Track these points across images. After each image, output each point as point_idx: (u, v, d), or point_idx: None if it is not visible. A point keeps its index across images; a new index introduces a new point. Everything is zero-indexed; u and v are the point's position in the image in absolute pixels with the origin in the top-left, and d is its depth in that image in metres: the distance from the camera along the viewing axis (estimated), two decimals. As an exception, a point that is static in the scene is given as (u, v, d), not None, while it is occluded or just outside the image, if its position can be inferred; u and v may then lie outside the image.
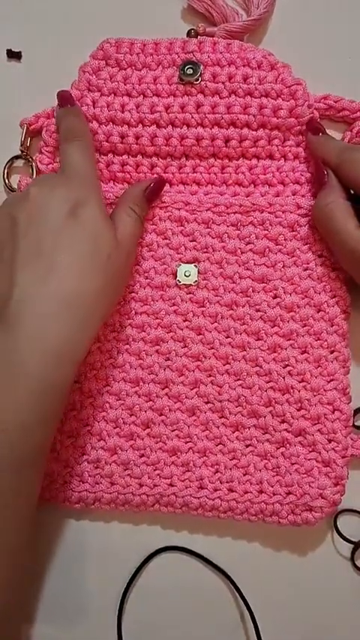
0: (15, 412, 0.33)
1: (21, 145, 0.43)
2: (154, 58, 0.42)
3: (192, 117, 0.41)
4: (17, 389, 0.33)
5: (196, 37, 0.43)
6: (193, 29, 0.43)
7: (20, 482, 0.34)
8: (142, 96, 0.42)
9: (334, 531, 0.41)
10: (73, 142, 0.40)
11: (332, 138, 0.42)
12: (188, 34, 0.43)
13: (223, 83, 0.41)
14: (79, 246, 0.36)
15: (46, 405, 0.34)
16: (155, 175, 0.42)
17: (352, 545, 0.40)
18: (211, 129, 0.42)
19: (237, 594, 0.40)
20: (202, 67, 0.41)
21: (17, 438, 0.33)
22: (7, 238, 0.36)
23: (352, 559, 0.41)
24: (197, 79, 0.41)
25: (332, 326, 0.40)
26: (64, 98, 0.42)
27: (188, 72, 0.41)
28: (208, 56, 0.41)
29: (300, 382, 0.40)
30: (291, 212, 0.41)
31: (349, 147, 0.41)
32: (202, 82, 0.41)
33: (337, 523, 0.41)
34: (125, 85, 0.42)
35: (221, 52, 0.42)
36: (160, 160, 0.42)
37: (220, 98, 0.41)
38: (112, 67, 0.42)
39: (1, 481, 0.33)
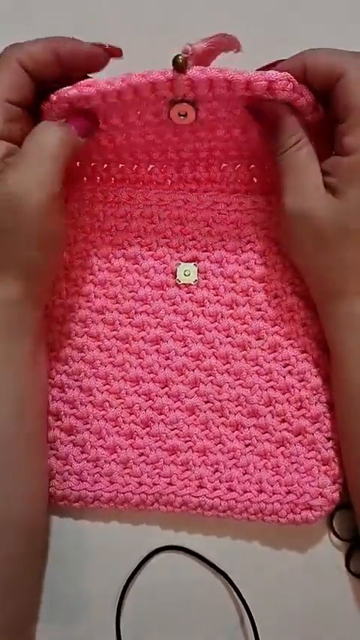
0: None
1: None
2: (135, 99, 0.35)
3: (188, 137, 0.39)
4: None
5: (185, 67, 0.33)
6: (179, 55, 0.33)
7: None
8: (129, 129, 0.38)
9: (328, 527, 0.41)
10: None
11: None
12: (174, 62, 0.33)
13: (221, 119, 0.38)
14: None
15: None
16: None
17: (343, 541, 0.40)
18: (209, 142, 0.40)
19: (235, 594, 0.40)
20: (195, 106, 0.36)
21: None
22: None
23: (346, 559, 0.40)
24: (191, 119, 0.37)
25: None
26: None
27: (181, 115, 0.36)
28: (204, 96, 0.35)
29: (300, 381, 0.40)
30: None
31: None
32: (197, 120, 0.37)
33: (334, 521, 0.41)
34: (106, 124, 0.38)
35: (219, 93, 0.35)
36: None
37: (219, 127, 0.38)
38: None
39: None
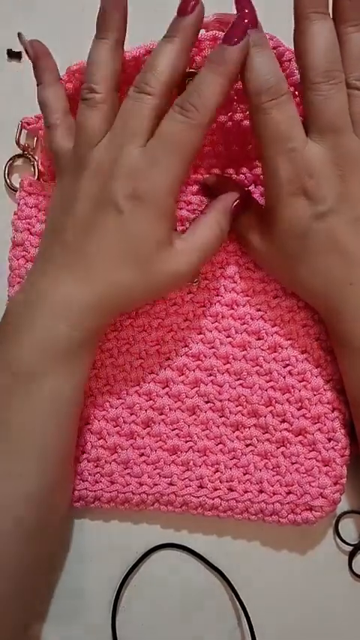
0: None
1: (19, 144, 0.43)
2: None
3: None
4: None
5: None
6: None
7: None
8: None
9: (334, 533, 0.41)
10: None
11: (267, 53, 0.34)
12: None
13: None
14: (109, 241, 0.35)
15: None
16: (242, 190, 0.40)
17: (350, 547, 0.41)
18: (211, 136, 0.41)
19: (232, 594, 0.40)
20: None
21: None
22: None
23: (349, 562, 0.41)
24: None
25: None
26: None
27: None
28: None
29: (300, 382, 0.40)
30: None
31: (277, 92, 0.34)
32: None
33: (339, 525, 0.41)
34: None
35: None
36: None
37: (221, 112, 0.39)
38: None
39: None
